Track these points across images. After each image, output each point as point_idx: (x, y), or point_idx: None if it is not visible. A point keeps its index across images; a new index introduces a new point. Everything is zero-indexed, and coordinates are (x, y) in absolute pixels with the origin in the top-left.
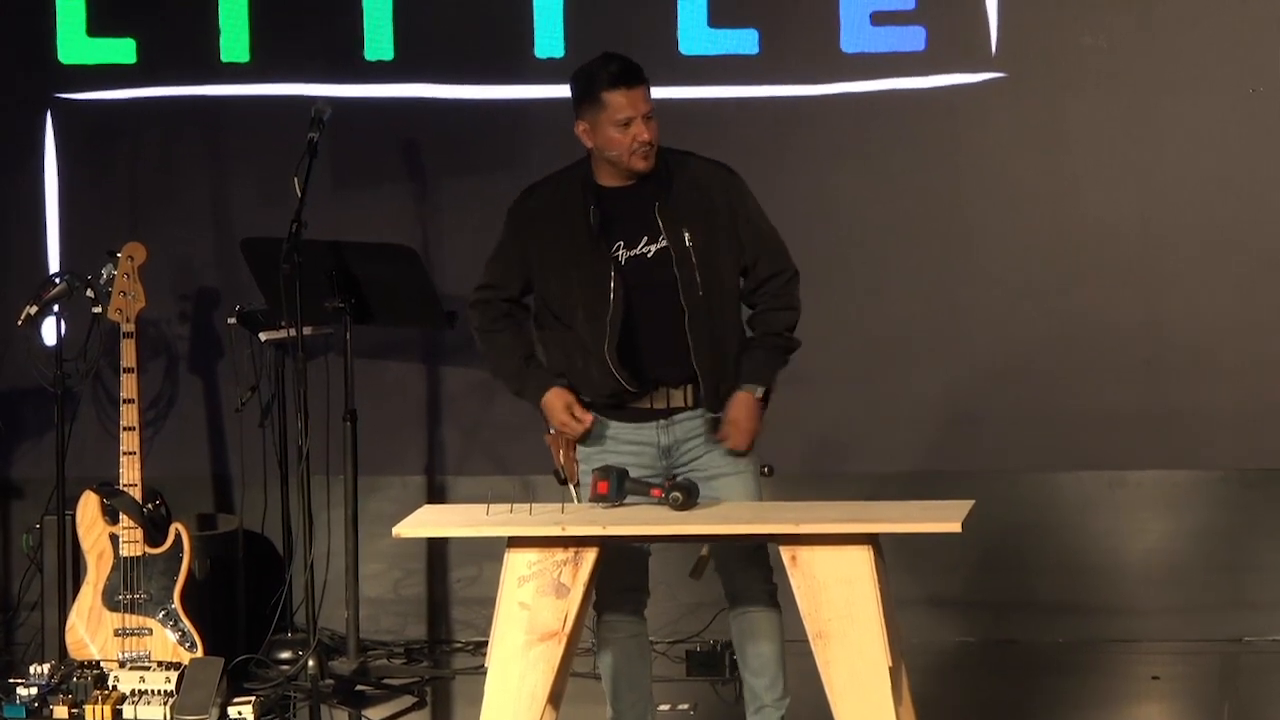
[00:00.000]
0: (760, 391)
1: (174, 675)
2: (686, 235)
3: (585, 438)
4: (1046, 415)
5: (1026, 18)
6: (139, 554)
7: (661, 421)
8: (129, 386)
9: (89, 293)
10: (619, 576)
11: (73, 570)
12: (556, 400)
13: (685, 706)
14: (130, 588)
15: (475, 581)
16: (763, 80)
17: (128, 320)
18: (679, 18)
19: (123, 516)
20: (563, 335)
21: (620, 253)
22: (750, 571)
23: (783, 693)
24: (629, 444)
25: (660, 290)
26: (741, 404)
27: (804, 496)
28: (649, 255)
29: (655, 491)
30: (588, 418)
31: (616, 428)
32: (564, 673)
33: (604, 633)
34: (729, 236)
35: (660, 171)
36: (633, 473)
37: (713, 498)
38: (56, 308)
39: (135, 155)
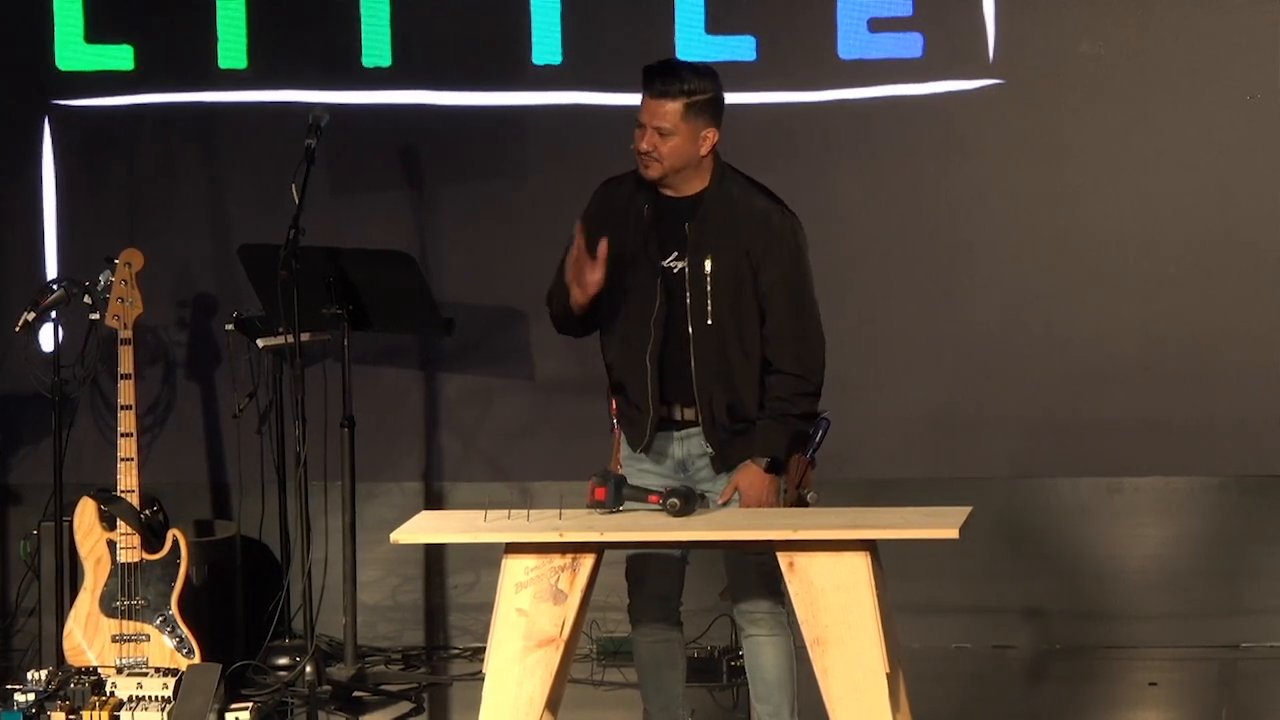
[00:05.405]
0: (764, 462)
1: (171, 681)
2: (707, 262)
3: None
4: (1045, 421)
5: (1024, 25)
6: (136, 560)
7: (676, 434)
8: (126, 392)
9: (87, 299)
10: (648, 583)
11: (70, 576)
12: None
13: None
14: (128, 594)
15: (473, 587)
16: (760, 87)
17: (125, 326)
18: (677, 24)
19: (120, 523)
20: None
21: (670, 262)
22: (758, 595)
23: None
24: (654, 452)
25: (678, 309)
26: (744, 474)
27: None
28: (675, 271)
29: (653, 498)
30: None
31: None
32: (562, 679)
33: (634, 637)
34: (751, 277)
35: (712, 192)
36: (655, 485)
37: None
38: (54, 314)
39: (133, 162)
